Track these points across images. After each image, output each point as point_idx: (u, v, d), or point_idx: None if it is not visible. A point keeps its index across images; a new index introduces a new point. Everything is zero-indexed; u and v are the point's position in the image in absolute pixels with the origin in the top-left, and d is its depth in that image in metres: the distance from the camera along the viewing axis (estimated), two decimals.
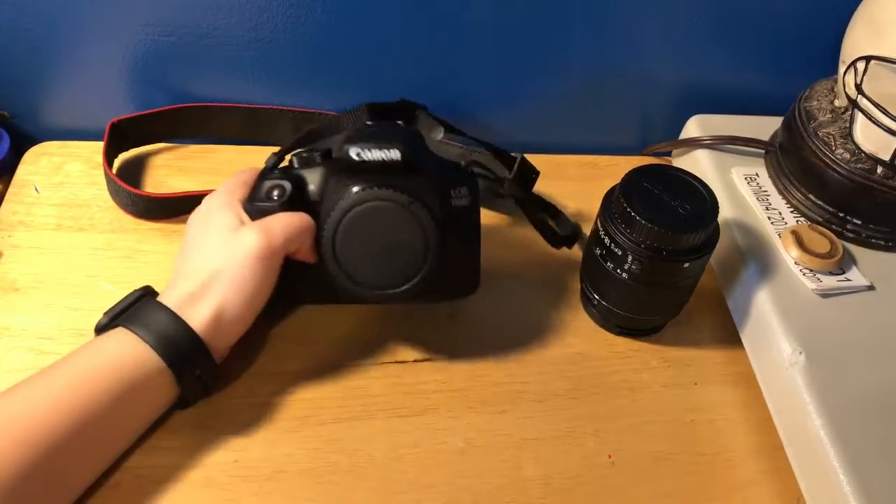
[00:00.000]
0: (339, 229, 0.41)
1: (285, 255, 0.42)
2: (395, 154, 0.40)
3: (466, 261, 0.46)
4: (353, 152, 0.40)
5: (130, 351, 0.38)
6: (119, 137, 0.56)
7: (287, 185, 0.43)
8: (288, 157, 0.45)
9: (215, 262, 0.41)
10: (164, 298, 0.40)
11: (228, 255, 0.41)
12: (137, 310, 0.40)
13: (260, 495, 0.41)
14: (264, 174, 0.44)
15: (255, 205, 0.43)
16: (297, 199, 0.43)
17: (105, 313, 0.41)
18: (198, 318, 0.40)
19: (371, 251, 0.42)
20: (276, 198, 0.43)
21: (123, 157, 0.58)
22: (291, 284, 0.44)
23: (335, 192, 0.42)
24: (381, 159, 0.40)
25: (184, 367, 0.39)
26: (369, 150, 0.40)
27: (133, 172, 0.57)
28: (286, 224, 0.42)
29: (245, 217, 0.43)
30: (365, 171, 0.41)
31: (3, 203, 0.54)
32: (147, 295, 0.42)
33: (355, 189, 0.41)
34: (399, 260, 0.42)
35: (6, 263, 0.50)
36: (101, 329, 0.41)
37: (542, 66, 0.59)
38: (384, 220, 0.41)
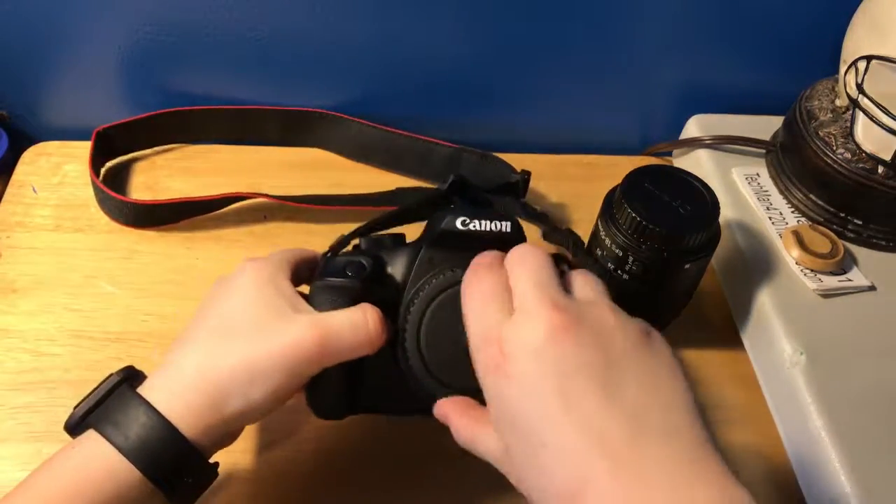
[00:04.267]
0: (425, 319, 0.35)
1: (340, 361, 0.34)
2: (506, 226, 0.35)
3: None
4: (459, 221, 0.35)
5: (106, 462, 0.30)
6: (106, 145, 0.56)
7: (367, 260, 0.36)
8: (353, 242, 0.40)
9: (242, 351, 0.32)
10: (155, 389, 0.32)
11: (262, 348, 0.32)
12: (114, 406, 0.32)
13: (260, 497, 0.41)
14: (331, 257, 0.37)
15: (327, 281, 0.35)
16: (377, 279, 0.36)
17: (76, 406, 0.33)
18: (197, 424, 0.31)
19: (461, 344, 0.33)
20: (351, 274, 0.35)
21: (122, 157, 0.58)
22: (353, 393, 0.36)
23: (423, 274, 0.35)
24: (491, 230, 0.35)
25: (171, 479, 0.31)
26: (478, 220, 0.35)
27: (133, 173, 0.57)
28: (356, 333, 0.33)
29: (299, 301, 0.34)
30: (462, 249, 0.34)
31: (1, 203, 0.54)
32: (126, 381, 0.33)
33: (451, 271, 0.34)
34: None
35: (4, 264, 0.50)
36: (71, 428, 0.33)
37: (542, 66, 0.59)
38: None
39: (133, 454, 0.30)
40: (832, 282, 0.50)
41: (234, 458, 0.42)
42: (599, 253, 0.46)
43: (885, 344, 0.47)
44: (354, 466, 0.43)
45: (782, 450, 0.45)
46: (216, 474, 0.34)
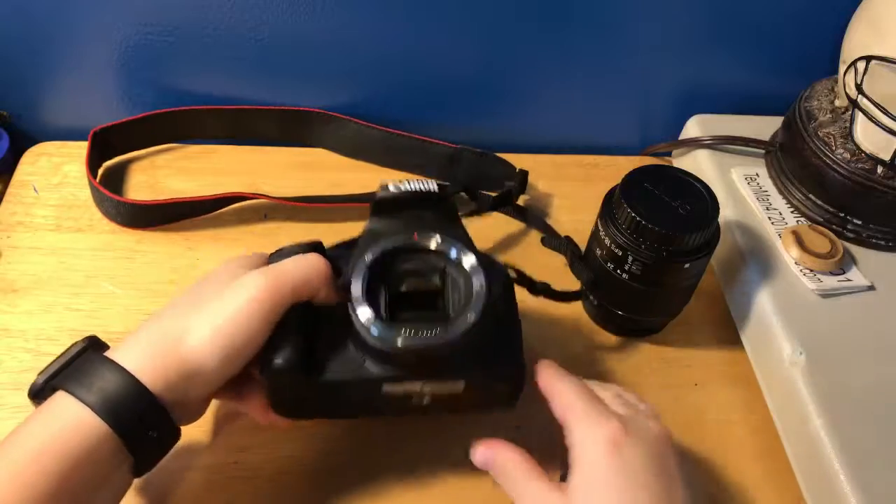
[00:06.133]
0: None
1: (296, 300, 0.36)
2: (433, 185, 0.37)
3: (506, 356, 0.38)
4: (391, 186, 0.37)
5: (73, 418, 0.32)
6: (103, 145, 0.56)
7: (317, 244, 0.38)
8: None
9: (201, 307, 0.35)
10: (119, 351, 0.34)
11: (222, 301, 0.34)
12: (79, 367, 0.34)
13: (260, 497, 0.41)
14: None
15: (281, 251, 0.38)
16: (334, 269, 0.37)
17: (40, 373, 0.34)
18: (159, 379, 0.33)
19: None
20: (304, 247, 0.38)
21: (121, 158, 0.58)
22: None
23: (367, 245, 0.36)
24: (420, 189, 0.36)
25: (136, 432, 0.33)
26: (408, 182, 0.37)
27: (132, 173, 0.57)
28: (297, 264, 0.36)
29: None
30: (399, 215, 0.37)
31: (2, 203, 0.54)
32: (91, 348, 0.35)
33: (392, 237, 0.36)
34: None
35: (5, 264, 0.50)
36: (35, 392, 0.34)
37: (541, 67, 0.59)
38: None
39: (99, 407, 0.32)
40: (831, 282, 0.50)
41: (235, 457, 0.42)
42: (599, 253, 0.46)
43: (885, 344, 0.47)
44: (353, 470, 0.43)
45: (782, 450, 0.45)
46: (178, 437, 0.35)
